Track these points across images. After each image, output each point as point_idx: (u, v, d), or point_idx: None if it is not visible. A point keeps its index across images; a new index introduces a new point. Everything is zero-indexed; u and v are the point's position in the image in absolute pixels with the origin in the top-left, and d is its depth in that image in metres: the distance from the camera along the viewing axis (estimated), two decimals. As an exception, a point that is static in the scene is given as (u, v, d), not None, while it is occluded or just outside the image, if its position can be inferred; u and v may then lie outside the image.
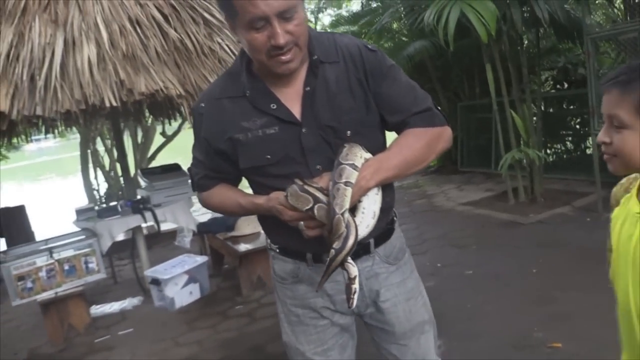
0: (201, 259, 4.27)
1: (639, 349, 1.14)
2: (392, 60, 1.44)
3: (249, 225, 4.38)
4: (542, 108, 6.90)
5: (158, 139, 9.48)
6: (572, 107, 6.91)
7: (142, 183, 4.71)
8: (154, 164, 8.38)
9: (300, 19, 1.22)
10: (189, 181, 1.62)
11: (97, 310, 4.19)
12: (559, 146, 7.22)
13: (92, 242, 4.02)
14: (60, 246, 3.98)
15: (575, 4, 5.82)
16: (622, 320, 1.18)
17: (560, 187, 5.86)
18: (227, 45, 3.49)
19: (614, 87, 1.05)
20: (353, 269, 1.27)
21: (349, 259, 1.25)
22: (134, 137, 9.03)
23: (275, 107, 1.32)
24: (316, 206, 1.24)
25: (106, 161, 9.24)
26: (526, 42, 6.67)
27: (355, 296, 1.25)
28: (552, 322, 2.94)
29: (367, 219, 1.30)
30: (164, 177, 4.53)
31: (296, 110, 1.33)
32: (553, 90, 7.69)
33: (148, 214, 4.23)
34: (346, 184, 1.25)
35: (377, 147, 1.36)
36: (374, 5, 8.64)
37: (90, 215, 4.36)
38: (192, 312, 3.95)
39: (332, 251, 1.23)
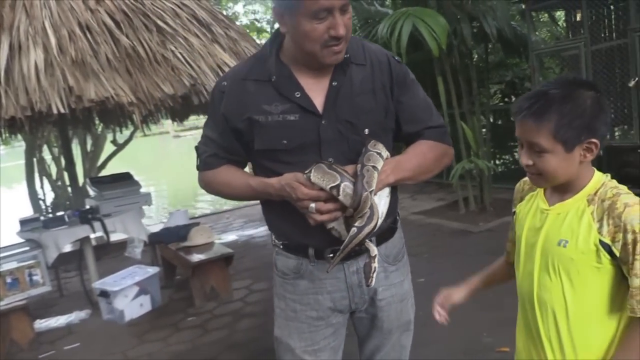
0: (152, 270, 4.17)
1: (537, 332, 1.28)
2: None
3: (202, 235, 4.32)
4: (491, 120, 7.14)
5: (109, 147, 9.23)
6: (519, 119, 7.18)
7: (91, 192, 4.57)
8: (104, 172, 8.15)
9: (351, 14, 1.31)
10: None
11: (41, 324, 4.02)
12: (507, 157, 7.48)
13: (37, 253, 3.87)
14: (3, 258, 3.81)
15: (521, 22, 6.08)
16: (523, 306, 1.33)
17: (509, 197, 5.93)
18: (180, 54, 3.45)
19: (529, 118, 1.17)
20: (373, 247, 1.30)
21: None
22: (83, 145, 8.76)
23: (299, 95, 1.37)
24: (343, 184, 1.24)
25: (53, 170, 8.92)
26: (476, 56, 6.90)
27: (375, 275, 1.28)
28: (500, 327, 3.01)
29: None
30: (114, 186, 4.42)
31: (318, 102, 1.38)
32: (501, 103, 7.96)
33: (97, 224, 4.11)
34: (374, 167, 1.29)
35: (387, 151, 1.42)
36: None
37: (36, 226, 4.20)
38: (143, 324, 3.85)
39: (354, 229, 1.24)
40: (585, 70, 4.74)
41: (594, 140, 1.15)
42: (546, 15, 7.30)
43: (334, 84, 1.38)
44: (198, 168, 1.55)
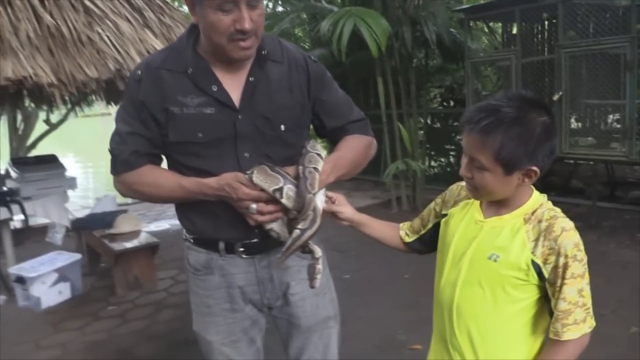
0: (74, 257, 4.05)
1: (451, 342, 1.29)
2: None
3: (128, 222, 4.23)
4: (429, 123, 7.32)
5: (42, 127, 8.82)
6: (455, 123, 7.39)
7: (12, 173, 4.38)
8: (35, 153, 7.79)
9: (262, 10, 1.30)
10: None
11: (-50, 309, 3.83)
12: (442, 159, 7.69)
13: (-53, 235, 3.68)
14: None
15: (460, 30, 6.26)
16: (440, 314, 1.33)
17: (441, 198, 6.22)
18: (107, 36, 3.33)
19: (476, 133, 1.16)
20: (317, 249, 1.32)
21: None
22: (11, 122, 8.31)
23: (216, 89, 1.36)
24: (286, 187, 1.26)
25: (-22, 147, 8.44)
26: (415, 60, 7.04)
27: (319, 276, 1.30)
28: (416, 325, 3.11)
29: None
30: (38, 168, 4.25)
31: (235, 97, 1.37)
32: (440, 107, 8.17)
33: (15, 207, 3.94)
34: (315, 169, 1.30)
35: (302, 146, 1.43)
36: (280, 9, 8.67)
37: (-52, 207, 3.98)
38: (60, 312, 3.73)
39: (297, 231, 1.26)
40: (515, 81, 4.93)
41: (534, 168, 1.15)
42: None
43: (251, 79, 1.39)
44: (115, 172, 1.43)
